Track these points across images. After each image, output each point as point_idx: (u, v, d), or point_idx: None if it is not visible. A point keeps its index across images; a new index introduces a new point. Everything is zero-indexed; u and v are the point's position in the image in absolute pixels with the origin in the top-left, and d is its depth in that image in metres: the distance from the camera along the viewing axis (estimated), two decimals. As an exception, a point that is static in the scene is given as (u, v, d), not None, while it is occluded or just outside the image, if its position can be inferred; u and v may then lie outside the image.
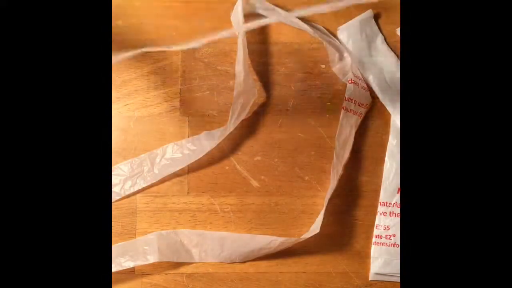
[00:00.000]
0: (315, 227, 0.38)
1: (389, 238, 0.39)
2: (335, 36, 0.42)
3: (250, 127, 0.41)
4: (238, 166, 0.41)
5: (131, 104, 0.41)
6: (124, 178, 0.40)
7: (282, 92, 0.41)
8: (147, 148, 0.40)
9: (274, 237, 0.39)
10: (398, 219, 0.39)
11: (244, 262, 0.39)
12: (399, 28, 0.42)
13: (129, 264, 0.38)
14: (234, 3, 0.41)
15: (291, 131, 0.41)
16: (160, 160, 0.40)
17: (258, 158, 0.41)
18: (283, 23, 0.42)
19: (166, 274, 0.39)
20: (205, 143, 0.40)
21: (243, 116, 0.40)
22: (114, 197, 0.39)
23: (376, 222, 0.40)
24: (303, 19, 0.41)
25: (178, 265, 0.39)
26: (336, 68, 0.41)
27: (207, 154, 0.40)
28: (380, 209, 0.40)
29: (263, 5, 0.41)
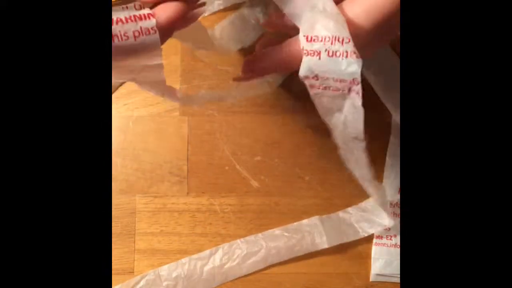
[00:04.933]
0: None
1: (390, 239, 0.39)
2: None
3: (250, 127, 0.41)
4: (238, 166, 0.40)
5: (130, 104, 0.41)
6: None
7: (283, 92, 0.41)
8: (146, 148, 0.40)
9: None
10: (399, 220, 0.39)
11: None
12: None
13: None
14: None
15: (291, 131, 0.41)
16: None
17: (258, 158, 0.41)
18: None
19: (165, 274, 0.39)
20: None
21: None
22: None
23: (377, 222, 0.40)
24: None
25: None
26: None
27: (206, 154, 0.40)
28: (381, 209, 0.40)
29: None
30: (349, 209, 0.40)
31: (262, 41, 0.30)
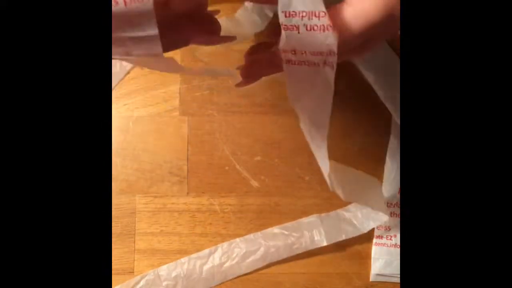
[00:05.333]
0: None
1: (390, 239, 0.39)
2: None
3: (250, 127, 0.41)
4: (238, 166, 0.40)
5: (130, 104, 0.41)
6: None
7: (283, 92, 0.41)
8: (146, 148, 0.40)
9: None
10: (399, 220, 0.39)
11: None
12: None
13: None
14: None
15: (291, 131, 0.41)
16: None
17: (258, 158, 0.41)
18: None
19: (165, 274, 0.39)
20: None
21: None
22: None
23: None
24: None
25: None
26: None
27: (206, 154, 0.40)
28: (381, 209, 0.40)
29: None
30: (348, 207, 0.40)
31: (249, 50, 0.32)
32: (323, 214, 0.40)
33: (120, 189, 0.40)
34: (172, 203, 0.40)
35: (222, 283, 0.39)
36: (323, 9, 0.24)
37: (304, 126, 0.31)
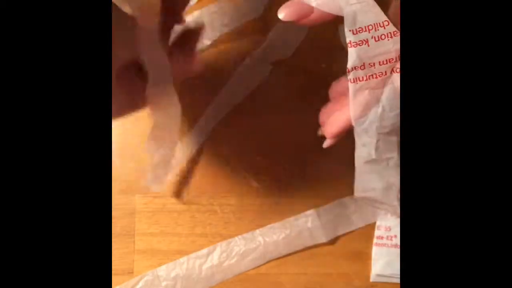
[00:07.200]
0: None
1: (390, 239, 0.39)
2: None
3: (250, 127, 0.41)
4: (238, 166, 0.40)
5: (130, 104, 0.41)
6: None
7: (282, 92, 0.41)
8: (146, 148, 0.40)
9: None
10: (399, 220, 0.39)
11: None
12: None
13: None
14: None
15: (291, 131, 0.41)
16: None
17: (258, 158, 0.40)
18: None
19: (165, 275, 0.39)
20: None
21: None
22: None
23: (377, 223, 0.40)
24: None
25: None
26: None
27: (206, 154, 0.40)
28: (381, 209, 0.40)
29: None
30: (346, 199, 0.40)
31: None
32: (320, 208, 0.39)
33: (120, 189, 0.40)
34: (172, 203, 0.40)
35: (222, 282, 0.39)
36: (385, 17, 0.26)
37: (367, 151, 0.32)
